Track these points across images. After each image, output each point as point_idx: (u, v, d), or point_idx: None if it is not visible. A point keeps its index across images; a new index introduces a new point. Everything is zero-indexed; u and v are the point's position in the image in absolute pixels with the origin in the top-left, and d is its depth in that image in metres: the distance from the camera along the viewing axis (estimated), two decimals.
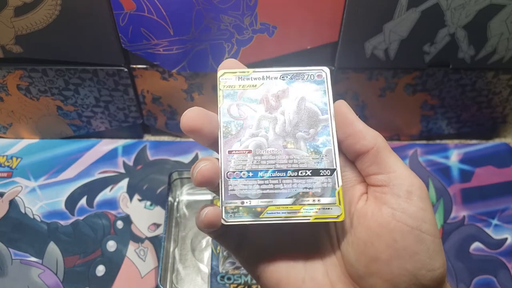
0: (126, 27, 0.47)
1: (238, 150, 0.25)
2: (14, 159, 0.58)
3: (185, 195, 0.55)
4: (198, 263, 0.50)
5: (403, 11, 0.46)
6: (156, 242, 0.52)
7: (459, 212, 0.54)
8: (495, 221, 0.54)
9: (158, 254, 0.50)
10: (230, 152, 0.25)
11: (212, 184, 0.25)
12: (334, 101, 0.26)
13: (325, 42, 0.50)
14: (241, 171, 0.25)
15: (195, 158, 0.59)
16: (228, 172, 0.25)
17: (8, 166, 0.57)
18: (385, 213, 0.24)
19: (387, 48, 0.50)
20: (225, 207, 0.25)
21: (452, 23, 0.48)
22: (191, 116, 0.25)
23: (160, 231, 0.52)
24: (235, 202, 0.25)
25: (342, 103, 0.26)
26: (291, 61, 0.51)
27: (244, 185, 0.25)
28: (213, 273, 0.48)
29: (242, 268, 0.48)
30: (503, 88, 0.56)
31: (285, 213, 0.25)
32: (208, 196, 0.55)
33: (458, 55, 0.51)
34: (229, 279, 0.48)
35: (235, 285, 0.47)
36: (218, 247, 0.49)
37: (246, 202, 0.25)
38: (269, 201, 0.25)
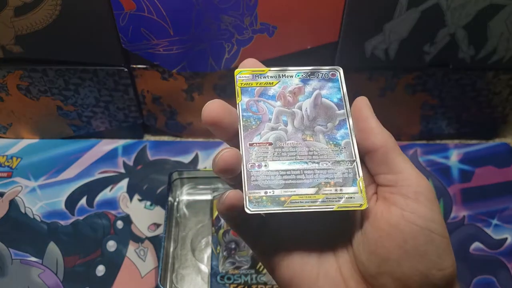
0: (126, 27, 0.47)
1: (259, 143, 0.26)
2: (14, 159, 0.58)
3: (185, 195, 0.55)
4: (198, 263, 0.50)
5: (403, 11, 0.46)
6: (156, 242, 0.52)
7: (459, 212, 0.54)
8: (495, 221, 0.54)
9: (158, 254, 0.50)
10: (251, 144, 0.26)
11: (233, 172, 0.25)
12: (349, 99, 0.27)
13: (325, 42, 0.50)
14: (262, 162, 0.26)
15: (195, 158, 0.59)
16: (250, 163, 0.25)
17: (8, 166, 0.57)
18: (395, 213, 0.24)
19: (387, 48, 0.50)
20: (248, 197, 0.25)
21: (452, 23, 0.48)
22: (212, 108, 0.25)
23: (160, 231, 0.52)
24: (259, 192, 0.25)
25: (362, 98, 0.27)
26: (291, 61, 0.51)
27: (267, 175, 0.25)
28: (213, 273, 0.48)
29: (242, 268, 0.48)
30: (503, 88, 0.56)
31: (308, 202, 0.25)
32: (208, 196, 0.55)
33: (458, 55, 0.51)
34: (229, 279, 0.48)
35: (235, 285, 0.47)
36: (218, 247, 0.49)
37: (270, 192, 0.25)
38: (292, 191, 0.25)
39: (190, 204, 0.55)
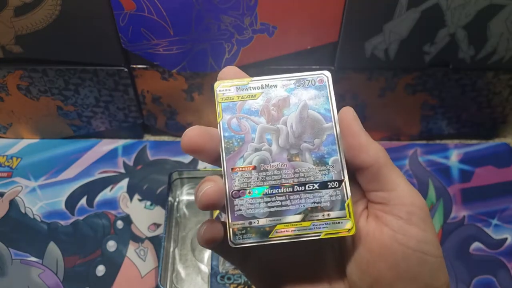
0: (126, 27, 0.47)
1: (242, 167, 0.24)
2: (14, 159, 0.58)
3: (185, 195, 0.55)
4: (198, 263, 0.50)
5: (403, 11, 0.46)
6: (156, 242, 0.52)
7: (459, 212, 0.54)
8: (495, 221, 0.54)
9: (158, 254, 0.50)
10: (233, 169, 0.24)
11: (217, 207, 0.24)
12: (337, 106, 0.25)
13: (325, 42, 0.50)
14: (246, 189, 0.24)
15: (195, 158, 0.59)
16: (233, 191, 0.24)
17: (8, 166, 0.57)
18: (387, 235, 0.24)
19: (387, 48, 0.50)
20: (232, 229, 0.24)
21: (452, 23, 0.48)
22: (192, 136, 0.24)
23: (160, 231, 0.52)
24: (243, 222, 0.24)
25: (348, 110, 0.25)
26: (291, 61, 0.51)
27: (251, 204, 0.24)
28: (213, 273, 0.48)
29: None
30: (503, 88, 0.56)
31: (294, 230, 0.24)
32: None
33: (458, 55, 0.51)
34: (229, 279, 0.48)
35: (235, 285, 0.47)
36: None
37: (254, 222, 0.24)
38: (278, 219, 0.24)
39: (190, 204, 0.55)
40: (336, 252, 0.27)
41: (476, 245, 0.52)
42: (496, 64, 0.52)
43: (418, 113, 0.59)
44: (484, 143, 0.62)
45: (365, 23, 0.48)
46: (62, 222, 0.53)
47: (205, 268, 0.49)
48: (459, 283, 0.49)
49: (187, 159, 0.59)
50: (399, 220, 0.23)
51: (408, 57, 0.51)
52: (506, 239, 0.52)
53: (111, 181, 0.56)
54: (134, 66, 0.52)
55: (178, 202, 0.54)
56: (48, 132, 0.60)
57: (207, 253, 0.50)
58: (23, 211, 0.53)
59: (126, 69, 0.51)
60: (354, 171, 0.25)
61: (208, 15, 0.46)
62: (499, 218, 0.54)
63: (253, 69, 0.51)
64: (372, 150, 0.24)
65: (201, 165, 0.58)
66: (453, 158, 0.60)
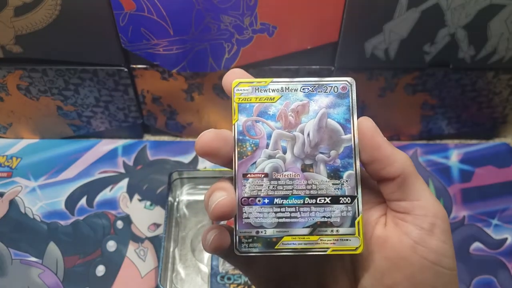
0: (126, 27, 0.47)
1: (254, 173, 0.24)
2: (14, 159, 0.58)
3: (185, 195, 0.55)
4: (198, 263, 0.50)
5: (403, 11, 0.46)
6: (156, 242, 0.52)
7: (459, 212, 0.54)
8: (495, 221, 0.54)
9: (158, 254, 0.50)
10: (244, 175, 0.24)
11: (229, 217, 0.23)
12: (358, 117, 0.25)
13: (325, 42, 0.50)
14: (256, 197, 0.24)
15: (195, 158, 0.59)
16: (243, 198, 0.24)
17: (8, 166, 0.57)
18: (406, 245, 0.23)
19: (387, 48, 0.50)
20: (239, 237, 0.24)
21: (452, 23, 0.48)
22: (206, 140, 0.23)
23: (160, 231, 0.52)
24: (250, 231, 0.24)
25: (368, 121, 0.24)
26: (291, 61, 0.51)
27: (259, 212, 0.24)
28: (213, 273, 0.48)
29: None
30: (503, 88, 0.56)
31: (301, 244, 0.24)
32: None
33: (458, 55, 0.51)
34: (229, 279, 0.48)
35: (235, 285, 0.47)
36: None
37: (261, 232, 0.24)
38: (285, 231, 0.24)
39: (190, 204, 0.55)
40: (345, 261, 0.26)
41: (476, 245, 0.52)
42: (496, 64, 0.52)
43: (418, 113, 0.59)
44: (484, 143, 0.62)
45: (365, 23, 0.48)
46: (62, 222, 0.53)
47: (205, 268, 0.49)
48: (459, 283, 0.49)
49: (187, 159, 0.59)
50: (420, 231, 0.23)
51: (408, 57, 0.51)
52: (506, 239, 0.52)
53: (111, 181, 0.56)
54: (134, 66, 0.52)
55: (178, 202, 0.54)
56: (48, 132, 0.60)
57: (207, 253, 0.50)
58: (23, 211, 0.53)
59: (126, 69, 0.51)
60: (378, 183, 0.25)
61: (208, 15, 0.46)
62: (499, 218, 0.54)
63: (253, 69, 0.51)
64: (398, 161, 0.23)
65: (201, 165, 0.58)
66: (453, 158, 0.60)
